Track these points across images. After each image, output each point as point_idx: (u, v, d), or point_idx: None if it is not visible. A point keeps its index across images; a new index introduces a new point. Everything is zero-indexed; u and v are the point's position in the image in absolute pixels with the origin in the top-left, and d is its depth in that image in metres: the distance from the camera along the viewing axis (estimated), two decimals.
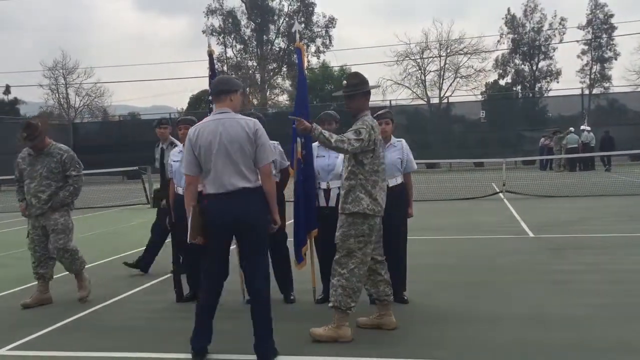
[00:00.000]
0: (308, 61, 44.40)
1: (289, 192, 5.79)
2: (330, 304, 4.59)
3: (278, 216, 4.41)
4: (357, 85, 4.75)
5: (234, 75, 44.82)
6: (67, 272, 6.34)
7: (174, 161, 6.07)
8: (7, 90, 46.20)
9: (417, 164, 5.89)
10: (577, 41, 43.98)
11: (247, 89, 46.02)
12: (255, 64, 46.88)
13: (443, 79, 42.79)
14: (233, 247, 4.41)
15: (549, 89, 44.56)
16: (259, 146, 4.16)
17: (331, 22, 46.10)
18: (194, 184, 4.25)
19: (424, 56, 42.39)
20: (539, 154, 26.15)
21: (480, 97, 41.86)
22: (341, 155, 5.56)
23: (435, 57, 42.54)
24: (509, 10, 44.88)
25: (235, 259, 6.30)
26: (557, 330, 4.59)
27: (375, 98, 43.70)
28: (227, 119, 4.19)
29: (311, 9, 46.00)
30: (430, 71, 42.96)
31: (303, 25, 44.78)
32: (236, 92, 4.34)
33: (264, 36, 46.24)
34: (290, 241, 5.79)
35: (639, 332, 4.50)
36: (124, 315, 5.62)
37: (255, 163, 4.19)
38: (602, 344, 4.29)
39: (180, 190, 5.85)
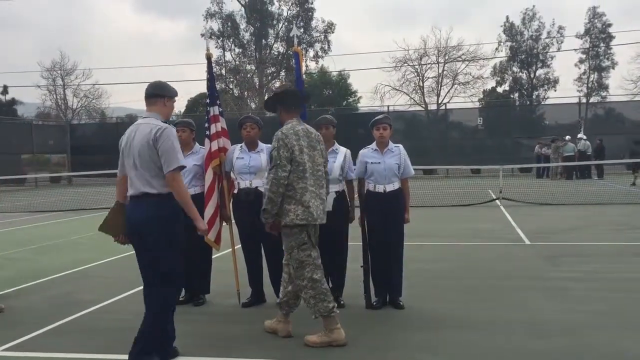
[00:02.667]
0: (306, 66, 44.48)
1: None
2: (314, 316, 4.59)
3: (201, 223, 4.23)
4: (270, 109, 4.95)
5: (232, 79, 44.90)
6: (59, 275, 6.30)
7: None
8: (5, 91, 46.21)
9: (414, 169, 5.89)
10: (575, 50, 44.17)
11: (245, 92, 46.01)
12: (253, 67, 46.87)
13: (441, 86, 42.86)
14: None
15: (546, 97, 44.69)
16: (161, 153, 4.01)
17: (330, 27, 46.15)
18: (121, 183, 4.26)
19: (422, 62, 42.48)
20: (535, 162, 26.21)
21: (477, 104, 42.01)
22: (338, 160, 5.59)
23: (434, 63, 42.63)
24: (507, 18, 45.09)
25: (222, 263, 6.32)
26: (552, 337, 4.59)
27: (374, 104, 43.81)
28: (144, 123, 4.14)
29: (310, 13, 46.05)
30: (428, 77, 43.07)
31: (302, 29, 44.84)
32: (171, 98, 4.29)
33: (263, 40, 46.25)
34: None
35: (634, 339, 4.50)
36: (118, 317, 5.60)
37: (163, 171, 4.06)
38: (598, 351, 4.29)
39: None
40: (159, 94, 4.25)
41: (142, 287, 6.57)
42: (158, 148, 4.00)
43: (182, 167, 4.08)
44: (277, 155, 4.48)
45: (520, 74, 45.52)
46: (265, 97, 5.21)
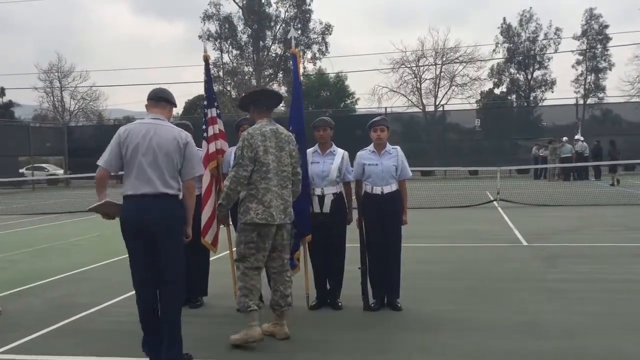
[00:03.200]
0: (304, 67, 44.45)
1: None
2: (237, 308, 4.75)
3: (190, 230, 4.35)
4: (243, 108, 5.08)
5: (229, 81, 44.88)
6: (57, 277, 6.29)
7: None
8: (2, 93, 46.14)
9: (412, 171, 5.90)
10: (572, 51, 44.29)
11: (243, 94, 46.00)
12: (251, 69, 46.88)
13: (438, 87, 42.90)
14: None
15: (543, 98, 44.83)
16: (186, 159, 4.19)
17: (327, 29, 46.19)
18: (105, 178, 4.24)
19: (419, 64, 42.53)
20: (532, 163, 26.27)
21: (475, 106, 42.04)
22: (336, 162, 5.61)
23: (431, 65, 42.69)
24: (504, 19, 45.20)
25: (220, 265, 6.32)
26: (550, 339, 4.60)
27: (371, 105, 43.85)
28: (161, 125, 4.23)
29: (308, 15, 46.09)
30: (426, 79, 43.12)
31: (299, 31, 44.86)
32: (174, 106, 4.49)
33: (261, 42, 46.27)
34: None
35: (633, 341, 4.51)
36: (118, 319, 5.60)
37: (180, 175, 4.20)
38: (596, 352, 4.30)
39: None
40: (168, 100, 4.41)
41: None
42: (186, 153, 4.18)
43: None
44: (240, 155, 4.61)
45: (518, 75, 45.63)
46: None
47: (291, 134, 4.99)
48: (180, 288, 4.26)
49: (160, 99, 4.36)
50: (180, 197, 4.23)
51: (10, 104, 46.39)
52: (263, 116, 4.84)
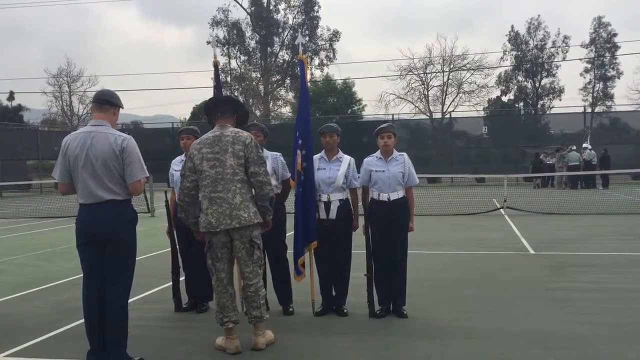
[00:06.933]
0: (311, 74, 44.54)
1: (289, 203, 5.78)
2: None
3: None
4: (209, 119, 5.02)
5: (237, 86, 45.02)
6: (63, 280, 6.31)
7: (175, 170, 6.07)
8: (11, 97, 46.49)
9: (418, 178, 5.89)
10: (580, 59, 44.17)
11: (250, 100, 46.13)
12: (259, 75, 47.02)
13: (446, 94, 42.92)
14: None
15: (551, 106, 44.70)
16: (127, 164, 4.15)
17: (335, 35, 46.31)
18: (68, 190, 4.29)
19: (427, 71, 42.57)
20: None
21: (482, 113, 41.99)
22: (342, 168, 5.61)
23: (439, 72, 42.72)
24: (512, 27, 45.14)
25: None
26: (557, 348, 4.57)
27: (378, 112, 43.89)
28: (98, 132, 4.18)
29: (316, 22, 46.22)
30: (433, 86, 43.16)
31: (307, 38, 44.96)
32: (119, 108, 4.42)
33: (268, 48, 46.42)
34: (290, 253, 5.78)
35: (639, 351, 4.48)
36: None
37: (124, 179, 4.19)
38: None
39: None
40: (113, 103, 4.35)
41: (143, 295, 6.58)
42: (124, 158, 4.14)
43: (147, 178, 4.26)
44: (183, 167, 4.70)
45: (525, 83, 45.54)
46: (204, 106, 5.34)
47: (245, 133, 4.75)
48: (126, 290, 4.28)
49: (103, 102, 4.31)
50: (130, 198, 4.28)
51: (20, 107, 46.70)
52: (220, 122, 4.78)
